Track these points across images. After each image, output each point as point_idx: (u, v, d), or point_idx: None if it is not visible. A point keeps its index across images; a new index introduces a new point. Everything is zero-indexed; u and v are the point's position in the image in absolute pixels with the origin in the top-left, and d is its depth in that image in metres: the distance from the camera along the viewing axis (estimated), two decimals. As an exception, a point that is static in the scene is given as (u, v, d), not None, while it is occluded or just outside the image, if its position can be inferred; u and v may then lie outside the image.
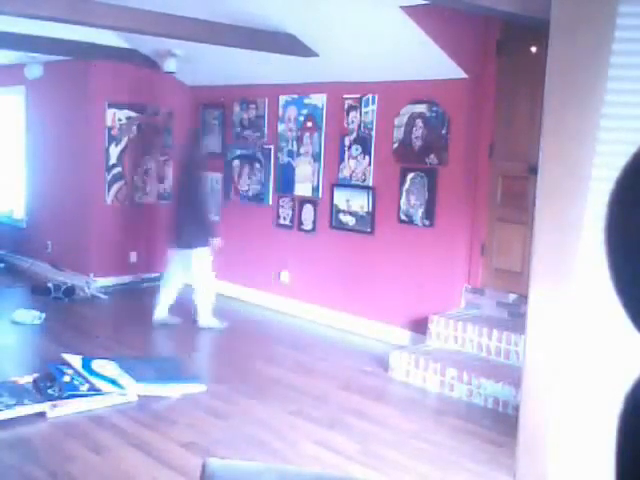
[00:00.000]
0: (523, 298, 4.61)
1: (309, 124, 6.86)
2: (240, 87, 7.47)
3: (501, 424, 4.41)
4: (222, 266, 7.85)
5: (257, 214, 7.43)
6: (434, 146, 5.84)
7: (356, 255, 6.49)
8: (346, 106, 6.50)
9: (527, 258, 4.77)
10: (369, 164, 6.35)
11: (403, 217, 6.10)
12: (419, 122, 5.93)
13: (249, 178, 7.52)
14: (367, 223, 6.40)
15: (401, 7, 5.00)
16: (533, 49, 5.21)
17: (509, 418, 4.38)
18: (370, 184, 6.35)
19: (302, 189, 6.95)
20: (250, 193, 7.52)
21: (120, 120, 7.67)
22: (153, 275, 8.09)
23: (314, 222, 6.87)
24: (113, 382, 4.70)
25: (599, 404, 2.60)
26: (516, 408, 3.74)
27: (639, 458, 0.69)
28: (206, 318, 6.43)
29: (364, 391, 5.02)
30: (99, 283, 7.63)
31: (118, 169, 7.74)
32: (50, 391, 4.55)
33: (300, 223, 7.00)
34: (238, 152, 7.63)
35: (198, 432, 4.19)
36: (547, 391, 2.87)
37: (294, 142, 7.01)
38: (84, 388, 4.63)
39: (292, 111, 7.02)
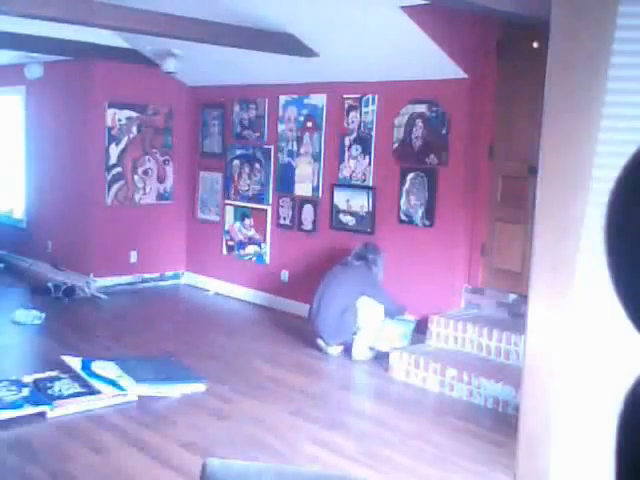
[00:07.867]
0: (523, 298, 4.61)
1: (309, 124, 6.86)
2: (240, 87, 7.47)
3: (501, 424, 4.41)
4: (221, 266, 7.85)
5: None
6: (434, 146, 5.85)
7: (356, 255, 6.48)
8: (346, 106, 6.50)
9: (527, 258, 4.77)
10: (369, 164, 6.35)
11: (403, 217, 6.10)
12: (419, 122, 5.93)
13: (249, 178, 7.52)
14: (367, 223, 6.40)
15: (401, 7, 5.00)
16: (535, 44, 5.20)
17: (509, 418, 4.37)
18: (370, 184, 6.35)
19: (302, 189, 6.95)
20: (250, 193, 7.52)
21: (120, 120, 7.67)
22: (153, 275, 8.11)
23: (314, 222, 6.87)
24: (113, 383, 4.70)
25: (599, 404, 2.60)
26: (516, 408, 3.74)
27: (639, 458, 0.69)
28: None
29: (364, 391, 5.02)
30: (99, 283, 7.63)
31: (118, 169, 7.73)
32: (50, 391, 4.55)
33: (300, 223, 7.00)
34: (238, 152, 7.63)
35: (198, 432, 4.19)
36: (547, 391, 2.86)
37: (294, 142, 7.01)
38: (83, 389, 4.64)
39: (292, 111, 7.02)
